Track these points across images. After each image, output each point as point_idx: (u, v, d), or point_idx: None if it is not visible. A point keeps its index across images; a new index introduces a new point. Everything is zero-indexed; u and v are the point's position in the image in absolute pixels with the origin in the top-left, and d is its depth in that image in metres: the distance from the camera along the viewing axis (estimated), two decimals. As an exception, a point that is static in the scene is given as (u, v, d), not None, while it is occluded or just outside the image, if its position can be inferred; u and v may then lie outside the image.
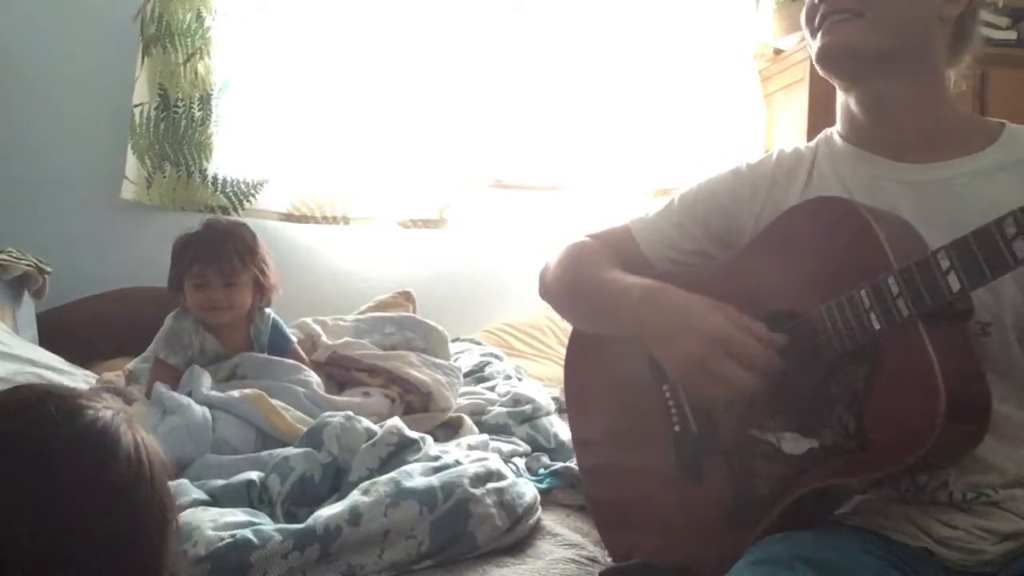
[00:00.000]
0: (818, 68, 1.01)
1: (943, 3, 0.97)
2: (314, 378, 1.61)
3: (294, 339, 1.76)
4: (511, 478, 1.25)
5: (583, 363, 1.24)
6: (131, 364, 1.76)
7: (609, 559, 1.17)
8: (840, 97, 1.07)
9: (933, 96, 0.99)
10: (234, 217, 2.33)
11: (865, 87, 1.01)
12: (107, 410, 0.75)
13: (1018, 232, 0.73)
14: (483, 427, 1.60)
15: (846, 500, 0.94)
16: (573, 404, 1.28)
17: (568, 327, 1.27)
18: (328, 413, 1.38)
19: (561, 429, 1.62)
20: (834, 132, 1.08)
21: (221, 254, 1.62)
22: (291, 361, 1.66)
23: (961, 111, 1.03)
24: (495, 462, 1.28)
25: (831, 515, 0.95)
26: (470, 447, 1.44)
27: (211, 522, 1.06)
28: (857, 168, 1.02)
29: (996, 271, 0.75)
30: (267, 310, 1.71)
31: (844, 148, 1.05)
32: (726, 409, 0.98)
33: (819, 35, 0.98)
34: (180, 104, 2.31)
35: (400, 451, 1.29)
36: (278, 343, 1.72)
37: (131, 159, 2.31)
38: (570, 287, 1.15)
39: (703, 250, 1.11)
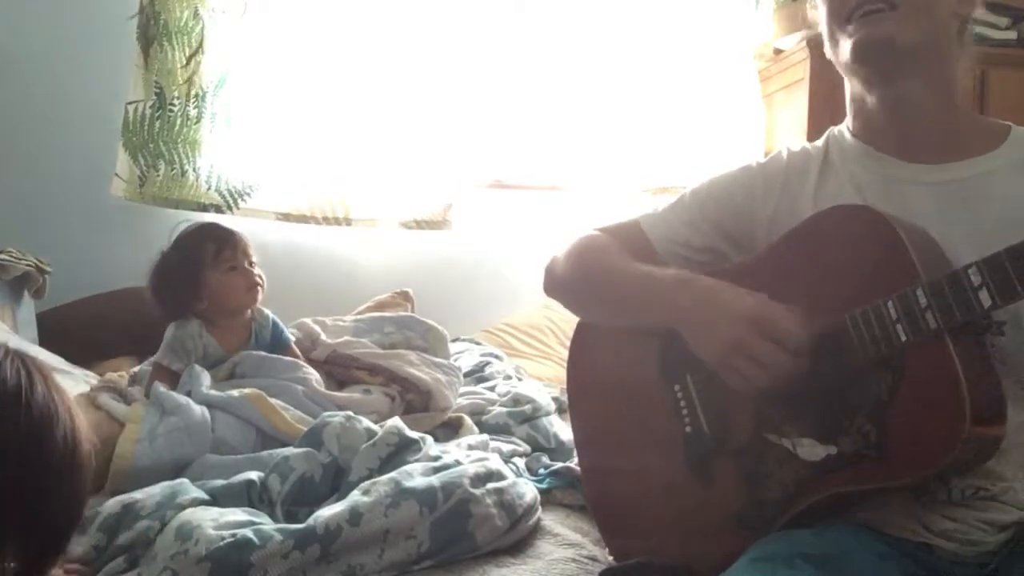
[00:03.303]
0: (851, 63, 0.99)
1: (957, 2, 0.99)
2: (313, 375, 1.61)
3: (292, 338, 1.76)
4: (511, 478, 1.25)
5: (588, 361, 1.24)
6: (137, 368, 1.76)
7: (610, 558, 1.16)
8: (854, 94, 1.06)
9: (949, 96, 1.00)
10: (229, 216, 2.34)
11: (891, 85, 1.00)
12: None
13: None
14: (483, 427, 1.60)
15: (859, 505, 0.94)
16: (576, 403, 1.27)
17: (569, 327, 1.27)
18: (328, 413, 1.38)
19: (561, 429, 1.62)
20: (843, 129, 1.07)
21: (238, 237, 1.65)
22: (290, 359, 1.65)
23: (969, 112, 1.04)
24: (495, 462, 1.28)
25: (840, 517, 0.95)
26: (470, 447, 1.44)
27: (212, 521, 1.06)
28: (870, 167, 1.02)
29: None
30: (265, 310, 1.72)
31: (855, 146, 1.04)
32: (743, 409, 0.98)
33: (852, 28, 0.98)
34: (176, 102, 2.30)
35: (400, 451, 1.29)
36: (279, 340, 1.72)
37: (123, 157, 2.31)
38: (587, 277, 1.14)
39: (715, 247, 1.11)
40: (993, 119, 1.03)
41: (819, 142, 1.10)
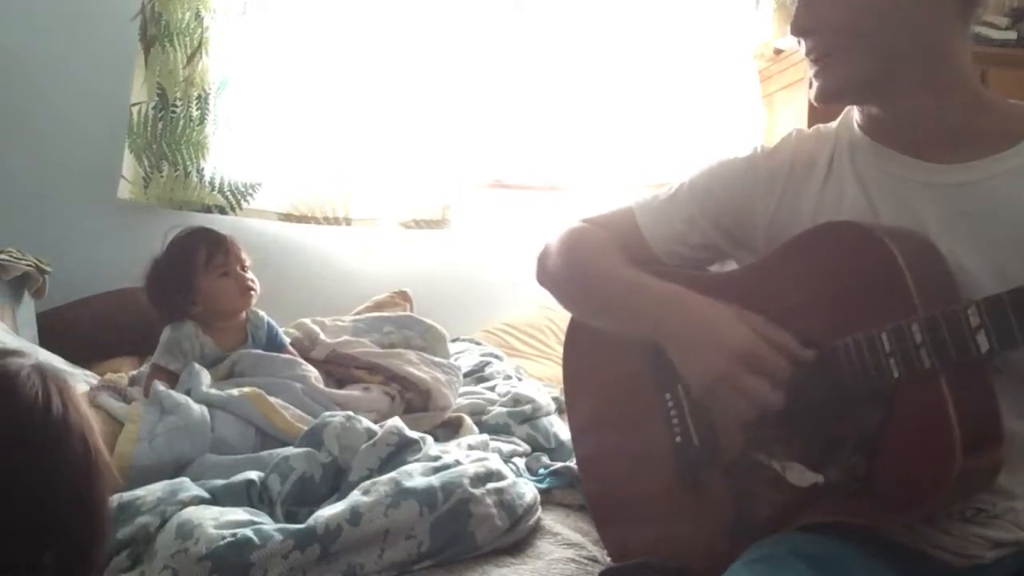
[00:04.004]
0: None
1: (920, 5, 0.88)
2: (312, 372, 1.61)
3: (288, 340, 1.76)
4: (511, 478, 1.25)
5: (581, 360, 1.23)
6: (135, 371, 1.76)
7: (608, 559, 1.17)
8: None
9: (955, 91, 0.91)
10: (231, 217, 2.34)
11: (879, 107, 0.95)
12: (13, 361, 0.76)
13: None
14: (483, 427, 1.60)
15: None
16: (571, 401, 1.27)
17: (569, 327, 1.26)
18: (328, 413, 1.38)
19: (561, 429, 1.62)
20: (854, 120, 1.00)
21: (229, 242, 1.66)
22: (288, 356, 1.65)
23: (991, 99, 0.93)
24: (495, 462, 1.28)
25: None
26: (470, 447, 1.44)
27: (212, 520, 1.06)
28: (878, 166, 0.95)
29: None
30: (260, 311, 1.72)
31: (864, 141, 0.97)
32: (734, 427, 0.95)
33: (811, 72, 0.95)
34: (178, 103, 2.31)
35: (400, 451, 1.30)
36: (274, 342, 1.72)
37: (128, 158, 2.31)
38: (576, 277, 1.10)
39: (713, 244, 1.06)
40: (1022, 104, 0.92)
41: (833, 125, 1.02)
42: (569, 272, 1.11)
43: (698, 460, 1.02)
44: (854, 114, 1.00)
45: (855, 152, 0.98)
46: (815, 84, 0.94)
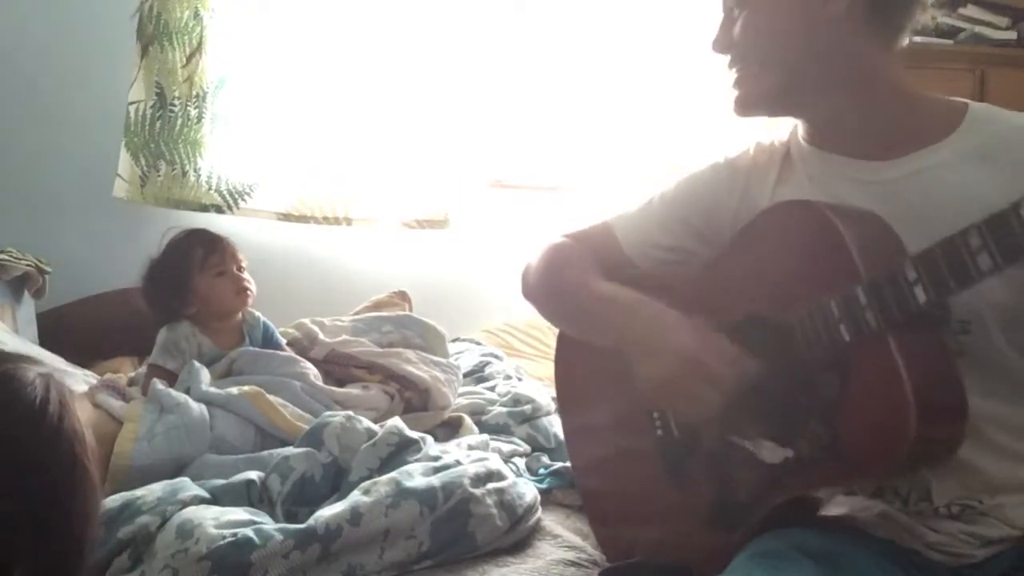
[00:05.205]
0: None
1: (820, 7, 0.92)
2: (312, 370, 1.60)
3: (283, 340, 1.76)
4: (511, 478, 1.25)
5: (569, 361, 1.25)
6: (134, 372, 1.76)
7: (603, 556, 1.17)
8: None
9: (877, 95, 0.95)
10: (230, 216, 2.34)
11: (800, 117, 1.01)
12: (26, 367, 0.76)
13: (982, 245, 0.73)
14: (483, 427, 1.60)
15: (825, 504, 0.95)
16: (562, 400, 1.30)
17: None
18: (328, 413, 1.38)
19: (561, 429, 1.62)
20: (797, 131, 1.05)
21: (225, 242, 1.66)
22: (286, 354, 1.65)
23: (918, 96, 0.97)
24: (495, 462, 1.28)
25: (812, 518, 0.95)
26: (470, 447, 1.44)
27: (213, 520, 1.06)
28: (822, 168, 1.00)
29: (961, 283, 0.75)
30: (256, 312, 1.72)
31: (808, 150, 1.03)
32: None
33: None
34: (177, 102, 2.30)
35: (400, 451, 1.30)
36: (271, 342, 1.72)
37: (125, 157, 2.31)
38: (554, 293, 1.14)
39: (684, 246, 1.11)
40: (951, 99, 0.97)
41: (785, 136, 1.07)
42: (548, 288, 1.16)
43: (680, 451, 1.04)
44: (797, 125, 1.05)
45: (803, 160, 1.03)
46: (733, 95, 1.01)
